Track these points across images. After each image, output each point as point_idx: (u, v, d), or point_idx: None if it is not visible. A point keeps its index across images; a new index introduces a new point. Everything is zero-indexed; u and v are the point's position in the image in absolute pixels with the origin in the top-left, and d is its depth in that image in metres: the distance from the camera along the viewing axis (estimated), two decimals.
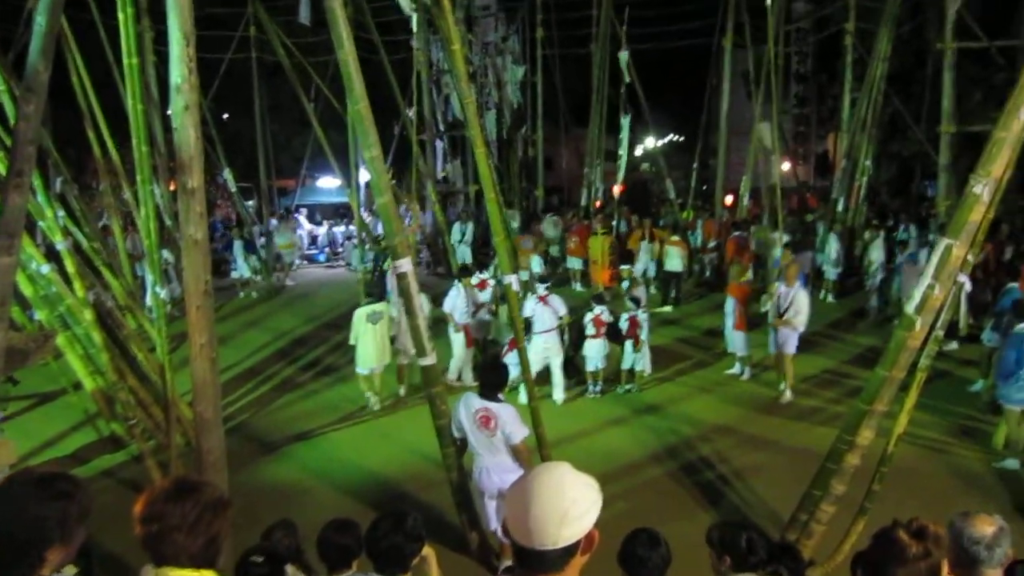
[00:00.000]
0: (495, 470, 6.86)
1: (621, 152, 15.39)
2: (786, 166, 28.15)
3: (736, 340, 13.08)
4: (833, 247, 18.32)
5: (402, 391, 12.47)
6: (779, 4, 21.85)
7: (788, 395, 11.95)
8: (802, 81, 33.42)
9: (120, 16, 7.24)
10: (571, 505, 1.96)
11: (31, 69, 5.21)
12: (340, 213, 31.30)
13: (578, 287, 20.35)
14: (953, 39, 19.69)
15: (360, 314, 11.90)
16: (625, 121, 14.96)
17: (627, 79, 16.31)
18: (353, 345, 11.97)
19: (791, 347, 11.92)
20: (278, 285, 22.54)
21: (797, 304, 11.82)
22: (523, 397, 10.11)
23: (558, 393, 12.00)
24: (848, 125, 22.21)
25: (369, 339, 11.83)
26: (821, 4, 26.63)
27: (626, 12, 16.15)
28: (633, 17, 23.95)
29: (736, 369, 13.24)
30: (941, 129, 20.26)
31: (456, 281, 12.89)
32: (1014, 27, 21.84)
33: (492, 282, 13.33)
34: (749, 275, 14.83)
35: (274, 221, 24.90)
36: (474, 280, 13.25)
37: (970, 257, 6.60)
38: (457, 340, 12.80)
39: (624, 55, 16.51)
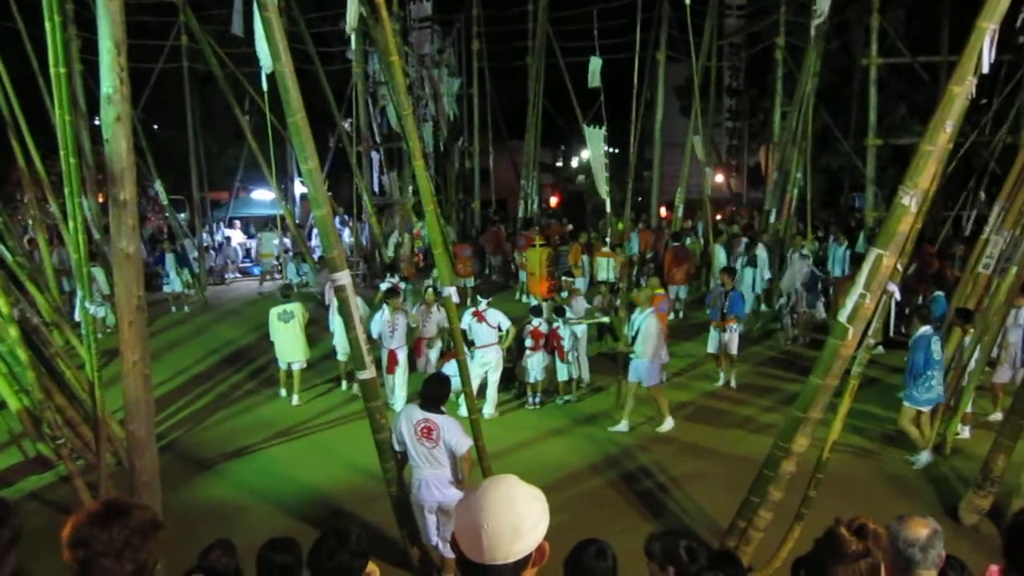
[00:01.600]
0: (434, 483, 6.83)
1: (595, 164, 15.37)
2: (719, 178, 28.68)
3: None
4: (762, 257, 18.58)
5: (355, 389, 12.43)
6: (711, 20, 22.31)
7: (666, 425, 11.33)
8: (734, 95, 34.11)
9: (47, 24, 7.05)
10: (522, 519, 1.95)
11: None
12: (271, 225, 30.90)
13: (524, 298, 20.39)
14: (878, 55, 20.35)
15: (272, 314, 12.89)
16: (591, 131, 14.99)
17: (594, 84, 16.36)
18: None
19: (650, 378, 11.26)
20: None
21: (644, 331, 11.12)
22: (463, 410, 10.08)
23: (488, 408, 11.95)
24: (779, 138, 22.72)
25: (281, 337, 12.80)
26: (752, 20, 27.24)
27: (595, 17, 16.24)
28: (566, 31, 24.24)
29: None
30: (868, 142, 20.89)
31: (384, 304, 12.30)
32: (936, 44, 22.61)
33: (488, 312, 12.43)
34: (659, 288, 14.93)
35: (206, 235, 24.45)
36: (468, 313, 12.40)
37: (899, 266, 6.77)
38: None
39: (596, 61, 16.61)
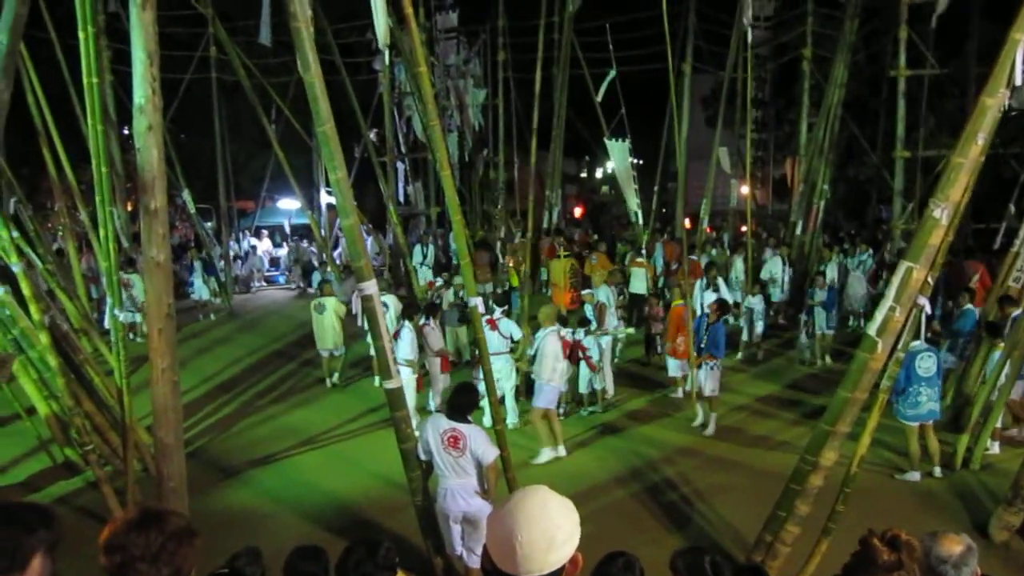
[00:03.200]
0: (460, 492, 6.82)
1: (621, 178, 15.33)
2: (744, 190, 28.55)
3: (670, 364, 13.29)
4: (777, 269, 18.46)
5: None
6: (737, 31, 22.25)
7: (541, 456, 10.65)
8: (760, 107, 33.98)
9: (80, 35, 7.14)
10: (557, 530, 1.94)
11: None
12: (302, 234, 31.07)
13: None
14: (906, 67, 20.21)
15: (311, 306, 14.63)
16: (614, 144, 14.95)
17: (598, 98, 16.35)
18: None
19: (542, 400, 10.80)
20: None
21: (542, 351, 10.82)
22: (487, 420, 10.08)
23: (511, 418, 11.89)
24: (806, 150, 22.59)
25: (317, 326, 14.41)
26: (779, 32, 27.14)
27: (608, 32, 16.26)
28: (592, 42, 24.26)
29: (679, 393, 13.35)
30: (896, 154, 20.73)
31: (405, 320, 12.15)
32: (964, 55, 22.44)
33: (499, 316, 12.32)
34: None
35: (233, 244, 24.66)
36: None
37: (930, 279, 6.71)
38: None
39: (611, 73, 16.64)
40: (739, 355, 15.61)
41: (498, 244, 22.13)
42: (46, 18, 15.74)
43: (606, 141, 15.55)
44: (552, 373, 10.75)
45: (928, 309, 6.97)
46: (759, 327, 15.70)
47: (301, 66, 5.84)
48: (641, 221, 15.47)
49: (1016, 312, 10.84)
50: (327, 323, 14.24)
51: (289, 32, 6.16)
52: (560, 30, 23.47)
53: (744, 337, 15.80)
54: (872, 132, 24.25)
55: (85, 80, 7.43)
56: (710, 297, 14.81)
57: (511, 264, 18.61)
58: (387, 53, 19.30)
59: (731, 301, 17.82)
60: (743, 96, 17.31)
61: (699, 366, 11.70)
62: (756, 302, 15.67)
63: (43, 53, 15.74)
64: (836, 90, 20.48)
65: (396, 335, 11.58)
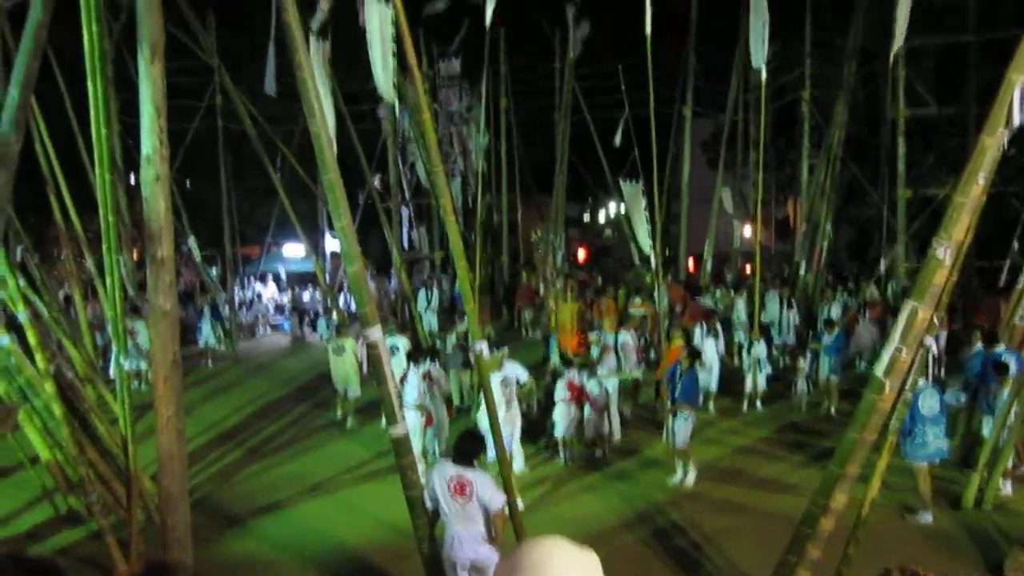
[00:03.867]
0: (467, 539, 6.75)
1: (634, 219, 15.34)
2: (747, 231, 28.65)
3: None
4: (775, 309, 18.36)
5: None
6: (737, 74, 22.52)
7: None
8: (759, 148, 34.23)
9: (90, 86, 7.25)
10: None
11: (2, 139, 5.19)
12: (306, 281, 31.14)
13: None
14: (905, 107, 20.37)
15: (329, 348, 15.01)
16: (627, 186, 15.00)
17: (616, 142, 16.44)
18: None
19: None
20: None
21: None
22: (493, 465, 10.02)
23: (517, 463, 11.76)
24: (807, 190, 22.70)
25: (335, 367, 14.65)
26: (778, 74, 27.42)
27: (620, 74, 16.44)
28: (593, 87, 24.57)
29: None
30: (897, 193, 20.82)
31: (411, 364, 12.09)
32: (963, 95, 22.61)
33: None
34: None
35: (238, 290, 24.73)
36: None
37: (935, 319, 6.70)
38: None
39: (624, 117, 16.77)
40: (744, 406, 14.96)
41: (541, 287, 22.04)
42: (55, 69, 15.97)
43: (621, 182, 15.64)
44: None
45: (935, 351, 6.95)
46: (762, 377, 15.00)
47: (307, 116, 5.91)
48: (653, 263, 15.40)
49: (999, 349, 10.85)
50: (346, 364, 14.57)
51: (294, 80, 6.25)
52: (562, 76, 23.74)
53: (748, 387, 14.97)
54: (873, 172, 24.38)
55: (94, 131, 7.52)
56: (710, 345, 14.70)
57: (552, 306, 18.50)
58: (396, 105, 19.50)
59: (736, 341, 17.81)
60: (744, 138, 17.41)
61: (673, 415, 11.26)
62: (760, 349, 14.87)
63: (52, 103, 15.93)
64: (836, 131, 20.63)
65: (403, 379, 11.56)
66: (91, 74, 7.11)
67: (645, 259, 19.01)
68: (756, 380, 14.83)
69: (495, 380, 10.71)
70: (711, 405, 14.58)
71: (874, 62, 23.86)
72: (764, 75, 14.57)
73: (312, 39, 17.40)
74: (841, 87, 20.79)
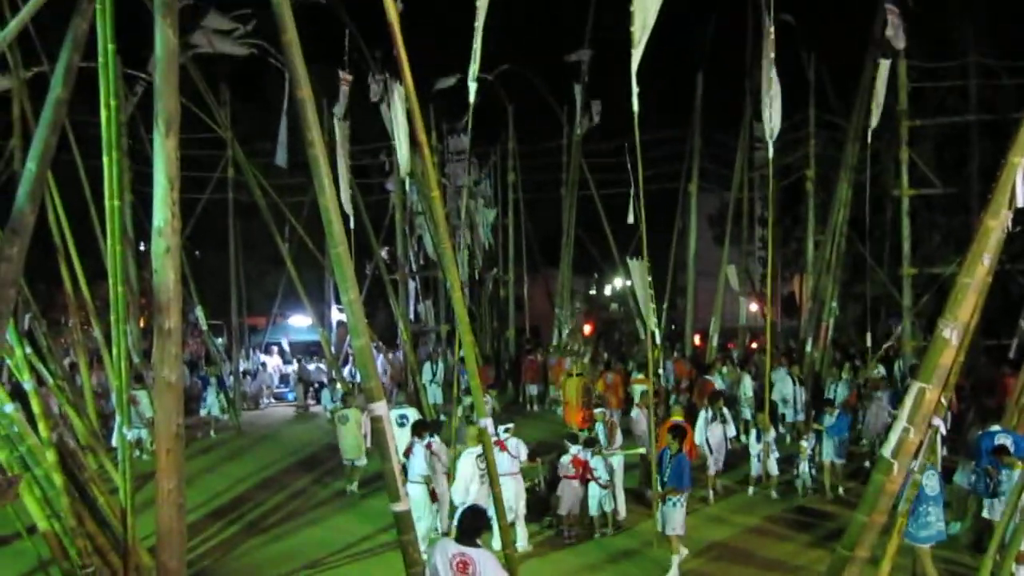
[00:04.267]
0: None
1: (640, 296, 15.30)
2: (753, 307, 28.66)
3: None
4: (788, 389, 18.14)
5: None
6: (742, 153, 22.83)
7: None
8: (766, 225, 34.44)
9: (105, 159, 7.38)
10: None
11: (17, 211, 5.27)
12: (311, 351, 31.11)
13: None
14: (909, 186, 20.58)
15: (335, 416, 15.24)
16: (634, 263, 14.99)
17: (630, 219, 16.55)
18: None
19: None
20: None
21: (457, 471, 10.48)
22: (495, 542, 9.85)
23: (520, 541, 11.55)
24: (813, 267, 22.78)
25: (340, 436, 14.71)
26: (782, 153, 27.78)
27: (638, 150, 16.61)
28: (600, 165, 24.94)
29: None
30: (903, 271, 20.87)
31: (416, 438, 11.91)
32: (966, 174, 22.86)
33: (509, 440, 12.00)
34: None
35: (243, 360, 24.71)
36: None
37: (943, 399, 6.67)
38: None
39: (633, 195, 16.91)
40: (750, 490, 14.33)
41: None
42: (71, 140, 16.27)
43: (628, 261, 15.70)
44: (465, 495, 10.42)
45: (943, 430, 6.90)
46: (773, 464, 14.27)
47: (317, 190, 6.00)
48: (658, 341, 15.27)
49: (994, 429, 10.72)
50: (350, 433, 14.59)
51: (304, 153, 6.36)
52: (569, 152, 24.10)
53: (756, 471, 14.31)
54: (878, 249, 24.50)
55: (107, 202, 7.63)
56: (716, 430, 14.04)
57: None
58: (407, 181, 19.80)
59: (742, 418, 17.63)
60: (749, 215, 17.52)
61: (662, 501, 10.79)
62: (771, 436, 14.27)
63: (66, 173, 16.19)
64: (840, 209, 20.81)
65: (408, 452, 11.47)
66: (106, 148, 7.24)
67: (674, 335, 18.99)
68: (767, 467, 14.19)
69: (470, 456, 10.53)
70: (717, 484, 14.16)
71: (876, 142, 24.21)
72: (771, 150, 14.69)
73: (335, 121, 17.85)
74: (845, 167, 21.04)
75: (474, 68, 9.23)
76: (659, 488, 10.89)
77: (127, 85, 20.57)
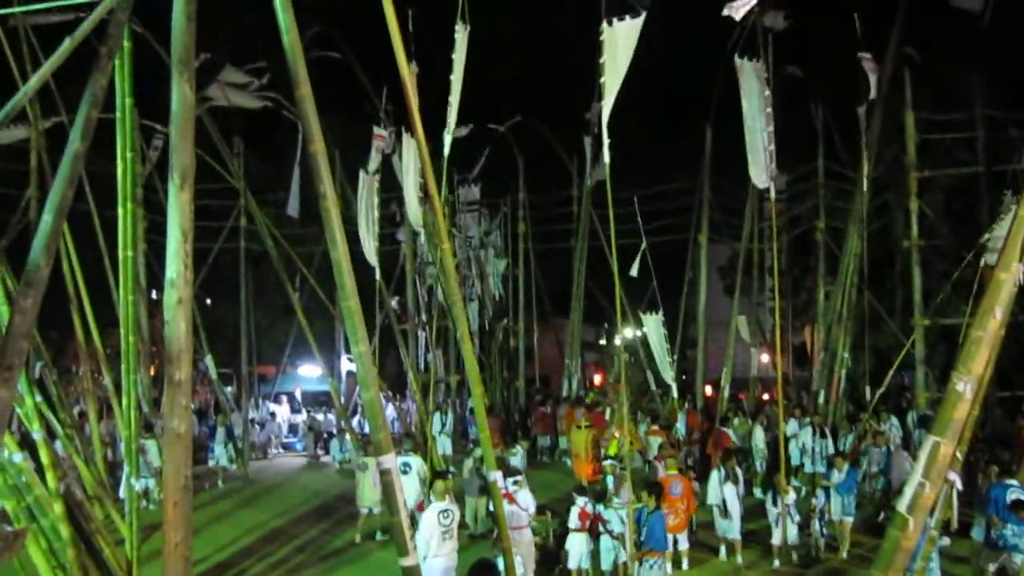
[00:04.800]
0: None
1: (656, 351, 15.17)
2: (765, 358, 28.50)
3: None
4: (808, 440, 17.81)
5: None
6: (752, 204, 22.91)
7: None
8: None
9: (120, 210, 7.48)
10: None
11: (32, 264, 5.31)
12: (320, 401, 31.02)
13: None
14: (919, 237, 20.59)
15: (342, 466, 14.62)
16: (648, 318, 14.87)
17: (633, 273, 16.50)
18: None
19: None
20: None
21: (419, 527, 9.94)
22: None
23: None
24: (824, 318, 22.71)
25: (358, 483, 14.80)
26: (792, 204, 27.89)
27: (636, 204, 16.67)
28: (608, 215, 25.00)
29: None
30: (915, 322, 20.78)
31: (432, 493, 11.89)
32: (976, 224, 22.83)
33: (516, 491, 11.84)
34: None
35: (252, 409, 24.65)
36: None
37: (958, 454, 6.59)
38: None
39: (643, 247, 16.91)
40: (775, 563, 13.14)
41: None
42: (87, 189, 16.47)
43: (642, 315, 15.67)
44: (426, 548, 10.25)
45: (959, 485, 6.80)
46: (793, 528, 13.10)
47: (328, 243, 6.04)
48: (675, 393, 15.12)
49: (1011, 482, 10.56)
50: (367, 482, 14.54)
51: (316, 204, 6.42)
52: (579, 203, 24.25)
53: (777, 540, 13.16)
54: (890, 300, 24.42)
55: (120, 253, 7.71)
56: (730, 491, 13.14)
57: (617, 434, 17.81)
58: (422, 234, 19.90)
59: (755, 471, 17.38)
60: (760, 266, 17.50)
61: (639, 562, 10.43)
62: (790, 498, 13.13)
63: (81, 222, 16.35)
64: (851, 260, 20.79)
65: (421, 507, 11.35)
66: (122, 199, 7.34)
67: (664, 386, 18.80)
68: (786, 532, 13.08)
69: (433, 512, 10.29)
70: (737, 557, 13.21)
71: (885, 193, 24.28)
72: (773, 193, 14.60)
73: (362, 174, 18.11)
74: (854, 217, 21.07)
75: (451, 120, 9.38)
76: (635, 549, 10.53)
77: (144, 137, 20.86)
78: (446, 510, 10.49)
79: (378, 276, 18.32)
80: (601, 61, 9.81)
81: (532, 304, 29.18)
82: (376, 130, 19.15)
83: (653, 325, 14.82)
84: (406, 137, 14.99)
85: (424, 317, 26.54)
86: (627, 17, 9.94)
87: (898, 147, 21.54)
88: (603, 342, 54.18)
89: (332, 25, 21.28)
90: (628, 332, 28.28)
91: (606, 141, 10.12)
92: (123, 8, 6.11)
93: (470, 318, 25.38)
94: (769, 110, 13.40)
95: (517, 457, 16.57)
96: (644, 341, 18.29)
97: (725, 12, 10.20)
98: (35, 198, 17.41)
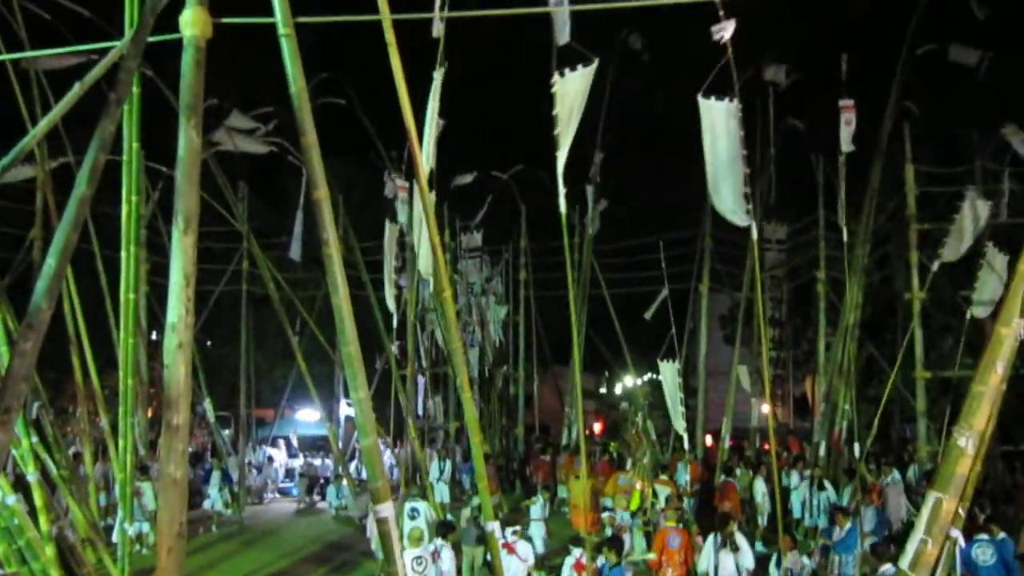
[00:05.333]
0: None
1: (670, 399, 14.99)
2: (766, 408, 28.35)
3: None
4: (803, 492, 17.62)
5: None
6: (751, 253, 22.93)
7: None
8: (777, 326, 34.37)
9: (123, 253, 7.50)
10: None
11: (34, 307, 5.31)
12: (318, 446, 30.80)
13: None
14: (920, 289, 20.60)
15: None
16: (665, 365, 14.69)
17: (648, 315, 16.45)
18: None
19: None
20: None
21: None
22: None
23: None
24: (824, 369, 22.63)
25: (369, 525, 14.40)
26: (792, 254, 27.96)
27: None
28: (609, 264, 25.16)
29: None
30: (916, 375, 20.72)
31: (438, 539, 11.70)
32: (977, 276, 22.83)
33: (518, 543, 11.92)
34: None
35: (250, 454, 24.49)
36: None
37: (960, 511, 6.53)
38: None
39: (664, 292, 16.87)
40: None
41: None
42: (90, 230, 16.52)
43: (660, 363, 15.53)
44: None
45: (962, 543, 6.73)
46: None
47: (330, 289, 6.05)
48: (687, 445, 14.89)
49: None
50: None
51: (319, 248, 6.44)
52: (580, 251, 24.33)
53: None
54: (891, 351, 24.35)
55: (123, 295, 7.73)
56: (727, 561, 12.11)
57: (639, 486, 17.41)
58: (431, 283, 19.92)
59: (756, 524, 17.18)
60: (761, 315, 17.50)
61: None
62: (791, 558, 12.44)
63: (83, 264, 16.37)
64: (851, 312, 20.78)
65: (436, 555, 11.23)
66: (125, 243, 7.37)
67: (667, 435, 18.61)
68: None
69: (409, 558, 10.18)
70: None
71: (886, 244, 24.34)
72: (754, 233, 14.36)
73: (387, 223, 18.25)
74: (854, 269, 21.10)
75: (427, 152, 9.44)
76: None
77: (149, 179, 21.00)
78: (419, 557, 10.42)
79: (394, 323, 18.36)
80: (554, 113, 9.90)
81: (532, 351, 29.14)
82: (398, 181, 19.28)
83: (670, 373, 14.66)
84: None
85: (424, 363, 26.51)
86: (579, 67, 10.12)
87: (900, 199, 21.66)
88: (603, 390, 54.09)
89: (340, 70, 21.52)
90: (628, 380, 28.20)
91: (562, 191, 10.25)
92: (133, 56, 6.19)
93: (470, 364, 25.32)
94: (740, 151, 13.05)
95: (537, 506, 16.37)
96: (645, 389, 18.19)
97: (715, 37, 10.23)
98: (39, 238, 17.47)
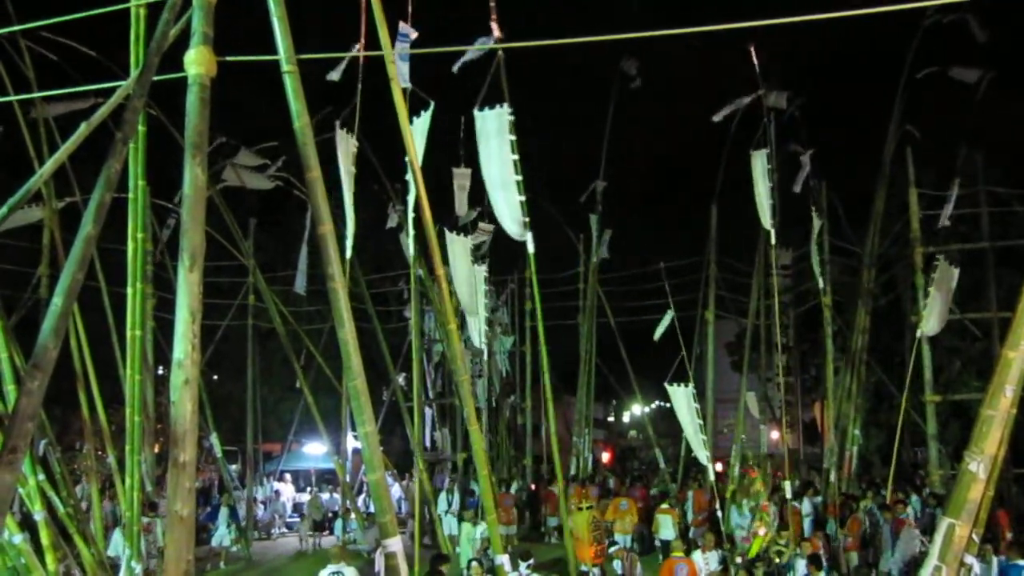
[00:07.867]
0: None
1: (686, 426, 14.88)
2: (775, 434, 28.22)
3: None
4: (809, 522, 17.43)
5: None
6: (758, 281, 22.95)
7: None
8: (784, 351, 34.20)
9: (130, 290, 7.53)
10: None
11: (40, 347, 5.32)
12: (325, 479, 30.64)
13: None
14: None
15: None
16: (675, 389, 14.60)
17: (656, 337, 16.44)
18: None
19: None
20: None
21: None
22: None
23: None
24: (833, 394, 22.51)
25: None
26: (799, 280, 27.91)
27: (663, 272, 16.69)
28: (615, 292, 25.15)
29: None
30: (925, 398, 20.61)
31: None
32: (985, 299, 22.78)
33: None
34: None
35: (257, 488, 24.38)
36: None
37: (975, 536, 6.47)
38: None
39: (669, 314, 16.85)
40: None
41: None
42: (97, 266, 16.57)
43: (669, 387, 15.37)
44: None
45: (977, 570, 6.66)
46: None
47: (336, 323, 6.06)
48: (712, 476, 14.79)
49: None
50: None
51: (324, 282, 6.47)
52: (586, 280, 24.34)
53: None
54: (900, 376, 24.23)
55: (129, 332, 7.74)
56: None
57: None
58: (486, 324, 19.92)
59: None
60: (767, 341, 17.43)
61: None
62: None
63: (89, 300, 16.39)
64: (859, 336, 20.72)
65: None
66: (131, 279, 7.39)
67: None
68: None
69: (326, 573, 10.09)
70: None
71: (892, 268, 24.31)
72: (772, 245, 14.49)
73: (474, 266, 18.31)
74: (861, 293, 21.09)
75: (412, 175, 9.51)
76: None
77: (155, 216, 21.10)
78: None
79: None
80: (407, 160, 9.90)
81: (540, 381, 29.10)
82: (482, 225, 19.28)
83: (683, 398, 14.46)
84: (450, 235, 14.94)
85: (430, 394, 26.47)
86: (497, 106, 10.39)
87: (904, 223, 21.68)
88: (611, 419, 53.90)
89: (343, 104, 21.67)
90: (636, 408, 28.11)
91: (410, 234, 10.42)
92: (139, 95, 6.25)
93: (477, 395, 25.25)
94: (510, 158, 12.81)
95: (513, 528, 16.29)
96: (654, 417, 18.12)
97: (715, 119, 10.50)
98: (46, 275, 17.54)
